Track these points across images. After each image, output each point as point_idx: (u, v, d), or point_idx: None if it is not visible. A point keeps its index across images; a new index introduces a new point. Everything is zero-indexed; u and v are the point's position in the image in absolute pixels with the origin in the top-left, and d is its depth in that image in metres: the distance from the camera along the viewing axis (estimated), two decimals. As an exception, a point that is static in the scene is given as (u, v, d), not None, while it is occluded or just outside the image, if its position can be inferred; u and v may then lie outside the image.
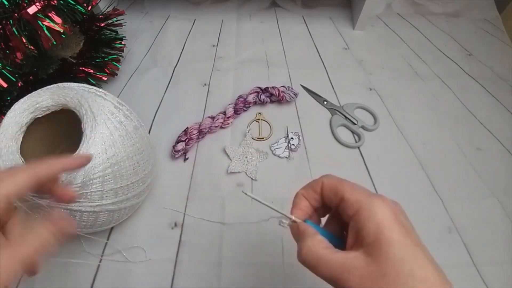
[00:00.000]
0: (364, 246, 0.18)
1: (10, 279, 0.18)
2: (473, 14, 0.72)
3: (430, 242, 0.42)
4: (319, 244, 0.19)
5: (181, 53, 0.63)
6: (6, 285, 0.18)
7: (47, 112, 0.34)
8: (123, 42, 0.58)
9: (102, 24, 0.55)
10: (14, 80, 0.42)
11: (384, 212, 0.18)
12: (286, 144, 0.48)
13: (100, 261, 0.38)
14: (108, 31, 0.56)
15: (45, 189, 0.25)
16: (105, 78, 0.55)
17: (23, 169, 0.21)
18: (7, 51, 0.40)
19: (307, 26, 0.68)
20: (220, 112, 0.50)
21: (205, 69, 0.59)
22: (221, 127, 0.50)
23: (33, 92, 0.34)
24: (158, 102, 0.54)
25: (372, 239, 0.18)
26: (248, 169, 0.45)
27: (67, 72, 0.51)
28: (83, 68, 0.52)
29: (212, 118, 0.49)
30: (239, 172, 0.45)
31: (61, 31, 0.42)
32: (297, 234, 0.21)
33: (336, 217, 0.23)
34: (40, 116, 0.34)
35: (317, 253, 0.19)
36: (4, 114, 0.33)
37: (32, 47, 0.41)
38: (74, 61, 0.52)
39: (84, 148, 0.30)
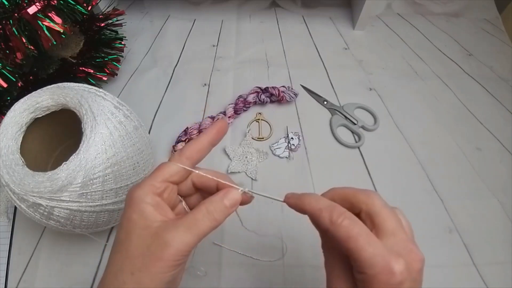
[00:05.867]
0: None
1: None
2: (473, 14, 0.72)
3: (430, 242, 0.42)
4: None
5: (181, 53, 0.63)
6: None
7: (47, 112, 0.34)
8: (123, 42, 0.58)
9: (102, 24, 0.55)
10: (14, 80, 0.42)
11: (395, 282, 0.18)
12: (286, 144, 0.48)
13: (100, 262, 0.39)
14: (108, 31, 0.56)
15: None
16: (105, 78, 0.55)
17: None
18: (7, 51, 0.40)
19: (307, 26, 0.68)
20: (220, 112, 0.50)
21: (205, 69, 0.59)
22: (221, 127, 0.50)
23: (33, 92, 0.34)
24: (158, 102, 0.54)
25: None
26: (248, 169, 0.45)
27: (67, 72, 0.51)
28: (83, 68, 0.52)
29: (212, 118, 0.49)
30: (239, 172, 0.45)
31: (61, 31, 0.42)
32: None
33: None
34: (40, 116, 0.34)
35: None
36: (4, 114, 0.33)
37: (32, 47, 0.41)
38: (74, 61, 0.52)
39: (84, 148, 0.30)
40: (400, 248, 0.19)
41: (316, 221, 0.21)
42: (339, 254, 0.21)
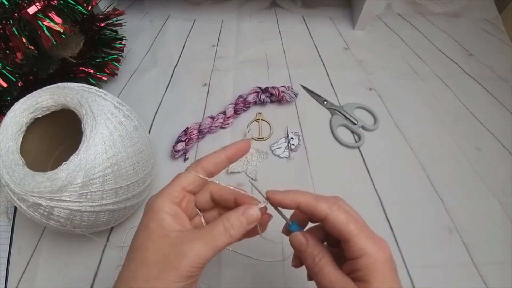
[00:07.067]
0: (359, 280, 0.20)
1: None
2: (473, 14, 0.72)
3: (430, 242, 0.42)
4: (328, 265, 0.22)
5: (181, 53, 0.63)
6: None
7: (47, 112, 0.34)
8: (123, 42, 0.58)
9: (102, 24, 0.55)
10: (14, 80, 0.42)
11: (383, 263, 0.20)
12: (286, 144, 0.48)
13: (100, 262, 0.38)
14: (108, 31, 0.56)
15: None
16: (105, 78, 0.55)
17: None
18: (7, 51, 0.40)
19: (307, 26, 0.68)
20: (220, 112, 0.50)
21: (205, 69, 0.59)
22: (221, 127, 0.50)
23: (33, 92, 0.34)
24: (158, 102, 0.54)
25: (368, 278, 0.20)
26: (248, 169, 0.45)
27: (67, 72, 0.51)
28: (83, 68, 0.52)
29: (212, 118, 0.49)
30: (239, 172, 0.45)
31: (61, 31, 0.42)
32: (305, 252, 0.23)
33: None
34: (40, 116, 0.34)
35: (327, 274, 0.22)
36: (4, 114, 0.33)
37: (32, 47, 0.41)
38: (74, 61, 0.52)
39: (84, 148, 0.30)
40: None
41: (310, 211, 0.22)
42: (326, 254, 0.22)
